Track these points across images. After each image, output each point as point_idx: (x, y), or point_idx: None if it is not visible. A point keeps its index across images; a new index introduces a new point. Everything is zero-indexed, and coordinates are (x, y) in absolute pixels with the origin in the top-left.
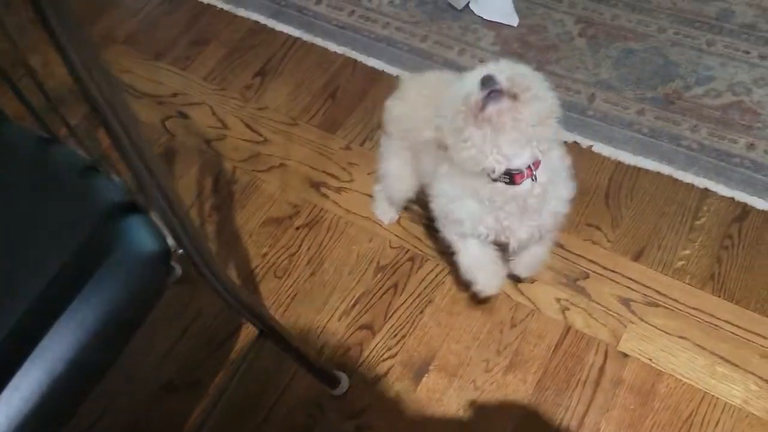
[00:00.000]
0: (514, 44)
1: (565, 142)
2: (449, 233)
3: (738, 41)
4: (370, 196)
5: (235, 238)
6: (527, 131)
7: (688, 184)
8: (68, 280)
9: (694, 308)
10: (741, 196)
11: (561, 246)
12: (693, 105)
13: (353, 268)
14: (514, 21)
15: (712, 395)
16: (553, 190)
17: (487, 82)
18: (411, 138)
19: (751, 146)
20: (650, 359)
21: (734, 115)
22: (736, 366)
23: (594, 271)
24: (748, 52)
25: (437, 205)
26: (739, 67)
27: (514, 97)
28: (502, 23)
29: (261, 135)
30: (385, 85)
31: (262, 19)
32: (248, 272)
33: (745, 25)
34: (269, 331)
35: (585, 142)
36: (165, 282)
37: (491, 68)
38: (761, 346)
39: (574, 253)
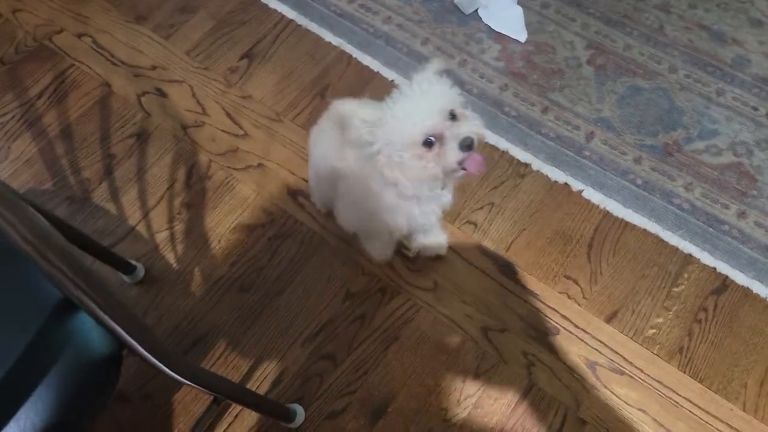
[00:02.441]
0: (518, 62)
1: (555, 182)
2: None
3: (748, 95)
4: None
5: (204, 241)
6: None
7: (672, 246)
8: (10, 390)
9: (657, 381)
10: (723, 268)
11: (535, 295)
12: (691, 160)
13: (322, 291)
14: (522, 36)
15: None
16: None
17: (466, 144)
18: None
19: (742, 215)
20: (607, 430)
21: (731, 178)
22: None
23: (565, 328)
24: (756, 109)
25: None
26: (745, 125)
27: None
28: (509, 36)
29: (242, 128)
30: (379, 88)
31: None
32: (213, 282)
33: (758, 78)
34: (226, 397)
35: (576, 186)
36: (113, 385)
37: (444, 119)
38: (717, 430)
39: (549, 306)
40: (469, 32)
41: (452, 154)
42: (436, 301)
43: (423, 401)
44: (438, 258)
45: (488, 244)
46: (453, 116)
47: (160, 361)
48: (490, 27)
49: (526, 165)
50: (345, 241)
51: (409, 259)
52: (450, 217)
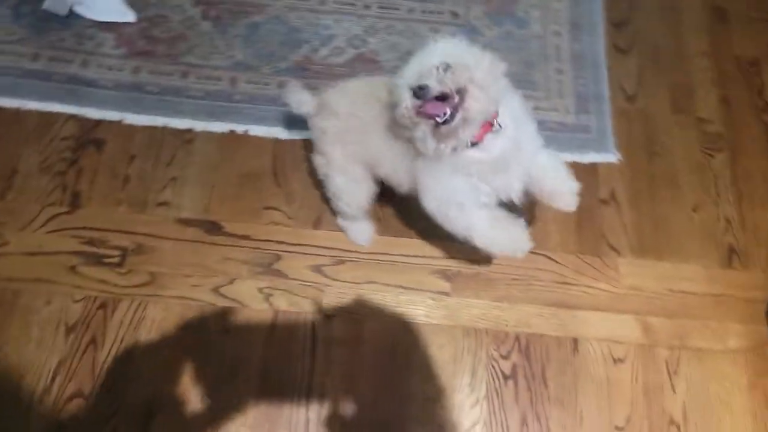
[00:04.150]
0: (139, 42)
1: (222, 133)
2: (459, 222)
3: None
4: (32, 254)
5: None
6: (483, 108)
7: None
8: None
9: (371, 253)
10: None
11: (247, 237)
12: (324, 67)
13: (39, 340)
14: (130, 17)
15: (404, 321)
16: (523, 136)
17: (418, 88)
18: (361, 146)
19: None
20: (350, 312)
21: (359, 67)
22: (414, 289)
23: (284, 251)
24: (354, 4)
25: (432, 202)
26: (352, 21)
27: (458, 93)
28: (118, 22)
29: None
30: (10, 121)
31: None
32: None
33: None
34: None
35: (240, 128)
36: None
37: (425, 67)
38: (428, 264)
39: (263, 240)
40: (77, 32)
41: (404, 100)
42: (160, 289)
43: (184, 386)
44: (154, 252)
45: (187, 214)
46: (447, 67)
47: None
48: (95, 20)
49: (189, 130)
50: (40, 280)
51: (116, 264)
52: (138, 207)
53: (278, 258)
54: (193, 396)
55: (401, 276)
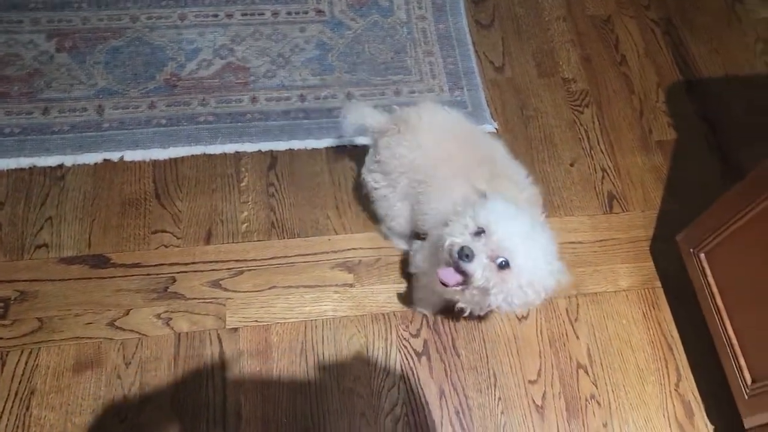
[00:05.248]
0: None
1: (95, 164)
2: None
3: (204, 8)
4: None
5: None
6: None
7: (220, 154)
8: None
9: (270, 258)
10: (265, 146)
11: (137, 265)
12: (193, 82)
13: None
14: None
15: (312, 320)
16: None
17: (463, 256)
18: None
19: (254, 100)
20: (256, 320)
21: (229, 77)
22: (318, 286)
23: (179, 272)
24: (217, 15)
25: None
26: (216, 32)
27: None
28: None
29: None
30: None
31: None
32: None
33: None
34: None
35: (114, 156)
36: None
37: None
38: (328, 260)
39: (153, 265)
40: None
41: (454, 239)
42: (52, 333)
43: (94, 425)
44: (39, 297)
45: (69, 252)
46: (505, 265)
47: None
48: None
49: (60, 166)
50: None
51: None
52: (15, 254)
53: (173, 280)
54: None
55: (303, 276)
